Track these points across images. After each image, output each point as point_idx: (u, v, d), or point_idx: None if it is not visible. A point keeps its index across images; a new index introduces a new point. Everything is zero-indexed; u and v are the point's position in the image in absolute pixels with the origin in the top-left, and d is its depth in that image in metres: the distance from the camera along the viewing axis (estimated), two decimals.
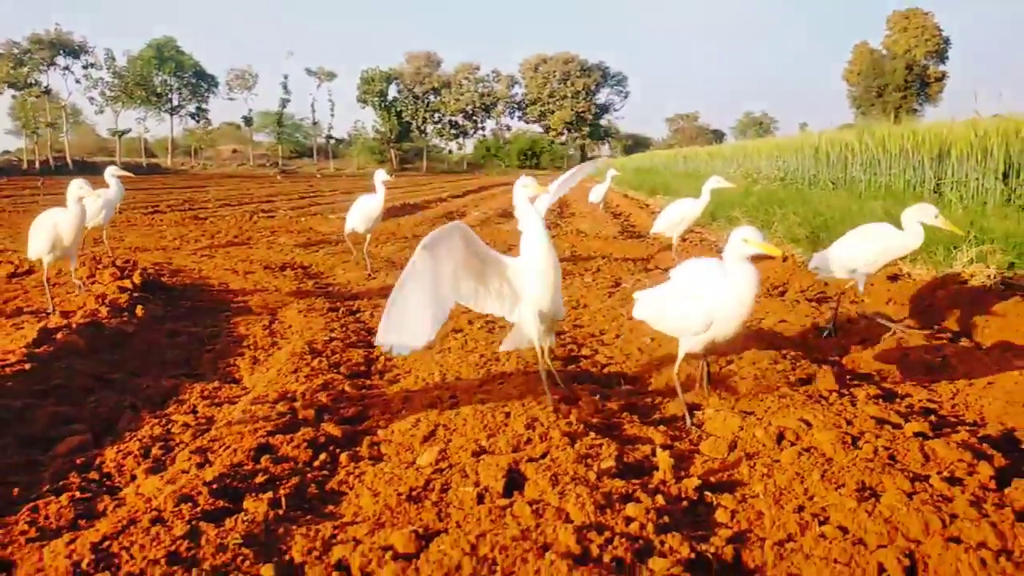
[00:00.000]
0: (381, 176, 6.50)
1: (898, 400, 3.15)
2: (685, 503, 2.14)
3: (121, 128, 53.06)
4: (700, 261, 2.93)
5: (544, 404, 2.84)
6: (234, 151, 66.43)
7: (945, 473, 2.24)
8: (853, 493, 2.08)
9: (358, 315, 5.06)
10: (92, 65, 51.13)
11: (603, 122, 76.03)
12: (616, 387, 3.37)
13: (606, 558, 1.76)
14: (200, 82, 59.43)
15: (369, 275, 6.52)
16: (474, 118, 73.41)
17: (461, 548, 1.78)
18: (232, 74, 61.36)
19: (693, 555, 1.81)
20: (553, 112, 72.45)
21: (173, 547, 1.82)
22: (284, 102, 62.56)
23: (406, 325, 2.48)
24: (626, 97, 76.88)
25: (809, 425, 2.61)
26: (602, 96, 74.80)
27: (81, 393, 3.12)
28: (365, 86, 69.06)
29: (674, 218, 6.66)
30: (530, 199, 2.89)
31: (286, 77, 62.10)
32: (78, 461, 2.48)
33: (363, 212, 6.44)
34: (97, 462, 2.48)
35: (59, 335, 3.59)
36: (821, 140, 18.65)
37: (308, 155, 66.76)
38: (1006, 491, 2.14)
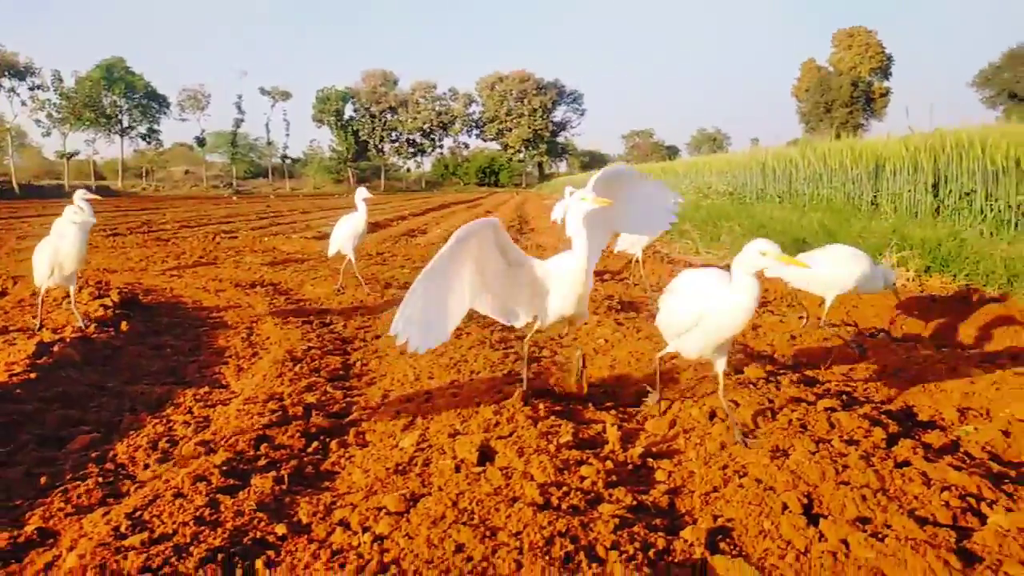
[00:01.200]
0: (363, 194, 6.67)
1: (817, 384, 3.61)
2: (630, 467, 2.54)
3: (69, 150, 52.01)
4: (699, 271, 2.95)
5: (509, 395, 3.21)
6: (187, 172, 65.52)
7: (845, 437, 2.69)
8: (768, 454, 2.50)
9: (331, 327, 5.35)
10: (39, 87, 50.17)
11: (560, 139, 77.28)
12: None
13: (564, 506, 2.13)
14: (151, 103, 58.66)
15: (338, 290, 6.80)
16: (432, 136, 73.86)
17: (444, 504, 2.14)
18: (184, 94, 60.76)
19: (635, 503, 2.21)
20: (511, 130, 73.35)
21: (197, 513, 2.14)
22: (238, 122, 62.29)
23: (428, 317, 2.56)
24: (582, 114, 78.51)
25: (737, 404, 3.03)
26: (559, 114, 76.15)
27: (83, 399, 3.38)
28: (321, 105, 69.05)
29: (633, 236, 7.01)
30: (585, 214, 2.83)
31: (240, 97, 61.89)
32: (93, 455, 2.76)
33: (350, 230, 6.59)
34: (110, 455, 2.76)
35: (55, 348, 3.83)
36: (767, 156, 19.59)
37: (263, 175, 66.29)
38: (893, 448, 2.59)
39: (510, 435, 2.73)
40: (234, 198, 40.23)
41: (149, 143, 60.37)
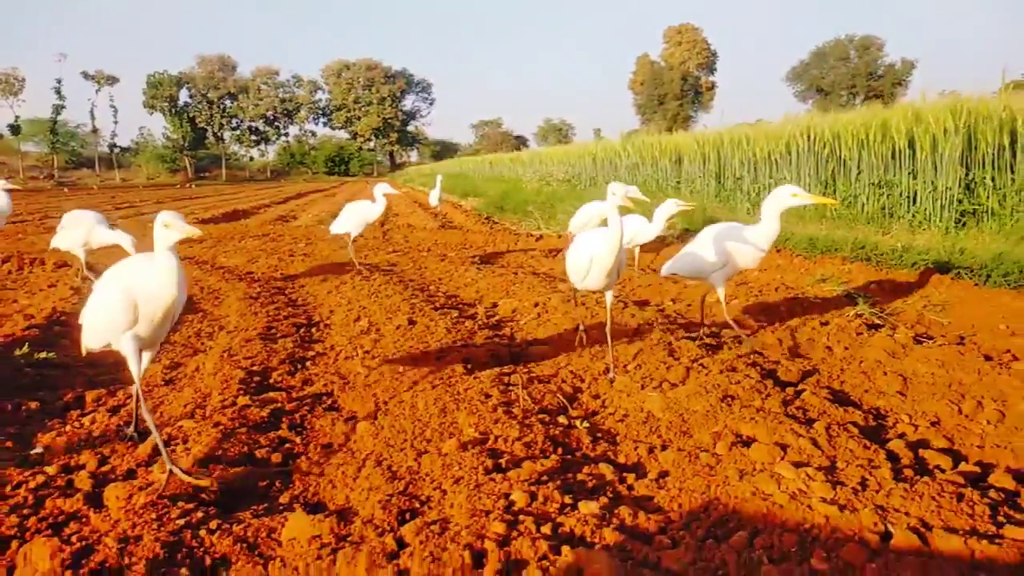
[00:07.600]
0: (383, 188, 7.04)
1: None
2: (492, 323, 4.64)
3: None
4: (720, 224, 3.84)
5: (416, 305, 5.18)
6: None
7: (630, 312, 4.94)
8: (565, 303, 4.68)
9: (261, 281, 6.98)
10: None
11: (411, 128, 78.04)
12: (454, 299, 5.82)
13: (458, 338, 4.18)
14: None
15: (251, 260, 8.33)
16: (276, 124, 72.01)
17: (396, 336, 4.12)
18: None
19: (494, 335, 4.31)
20: (360, 118, 73.10)
21: (261, 350, 3.95)
22: (58, 108, 57.49)
23: None
24: (432, 104, 79.69)
25: (550, 301, 5.22)
26: (408, 103, 76.72)
27: None
28: (152, 91, 65.30)
29: (592, 216, 7.14)
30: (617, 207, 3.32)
31: (59, 82, 57.14)
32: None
33: (361, 217, 7.12)
34: (175, 337, 4.43)
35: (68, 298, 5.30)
36: (597, 149, 22.73)
37: (88, 165, 61.74)
38: (645, 309, 4.88)
39: (423, 317, 4.73)
40: (66, 191, 37.96)
41: None
